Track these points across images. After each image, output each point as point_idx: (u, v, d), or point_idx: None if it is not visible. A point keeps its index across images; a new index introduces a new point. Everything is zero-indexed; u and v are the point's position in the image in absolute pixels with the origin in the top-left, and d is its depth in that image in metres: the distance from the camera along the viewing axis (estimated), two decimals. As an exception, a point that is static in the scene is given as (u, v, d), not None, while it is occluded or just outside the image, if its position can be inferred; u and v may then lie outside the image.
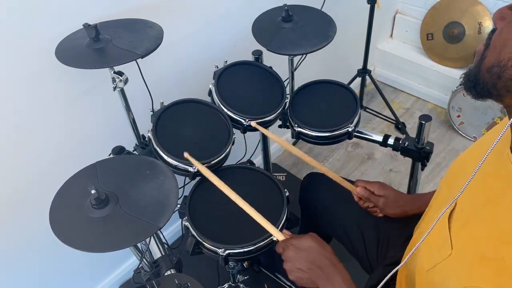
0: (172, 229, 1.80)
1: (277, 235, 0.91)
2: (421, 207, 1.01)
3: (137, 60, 1.04)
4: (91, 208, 0.86)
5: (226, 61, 1.34)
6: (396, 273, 0.96)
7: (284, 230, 0.92)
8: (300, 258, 0.82)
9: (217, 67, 1.34)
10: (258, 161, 1.84)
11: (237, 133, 1.23)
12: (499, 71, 0.55)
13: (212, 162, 1.13)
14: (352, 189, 1.11)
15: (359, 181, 1.10)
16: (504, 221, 0.58)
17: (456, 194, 0.68)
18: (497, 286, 0.54)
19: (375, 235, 1.12)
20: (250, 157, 1.47)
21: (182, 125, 1.19)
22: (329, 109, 1.34)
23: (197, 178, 1.16)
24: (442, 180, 0.85)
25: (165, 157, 1.10)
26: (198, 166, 1.05)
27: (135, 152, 1.27)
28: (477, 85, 0.59)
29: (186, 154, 1.06)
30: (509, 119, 0.58)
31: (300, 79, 1.45)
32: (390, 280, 0.91)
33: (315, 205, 1.25)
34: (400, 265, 0.73)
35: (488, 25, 2.14)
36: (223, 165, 1.19)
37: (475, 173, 0.59)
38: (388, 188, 1.08)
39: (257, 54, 1.43)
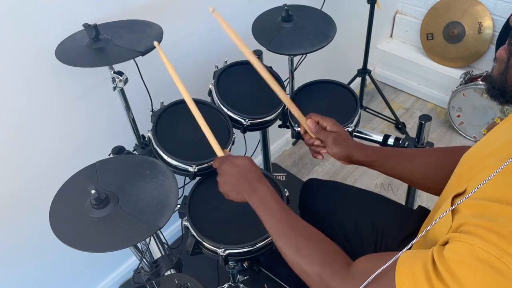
0: (172, 229, 1.80)
1: (218, 152, 0.97)
2: (366, 156, 1.02)
3: (137, 60, 1.04)
4: (91, 208, 0.86)
5: (226, 61, 1.34)
6: None
7: (225, 150, 0.98)
8: (232, 172, 0.90)
9: (217, 67, 1.34)
10: (258, 161, 1.84)
11: (237, 133, 1.23)
12: None
13: (212, 162, 1.13)
14: (302, 121, 1.07)
15: (312, 114, 1.07)
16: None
17: (465, 182, 0.67)
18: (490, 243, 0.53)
19: (373, 233, 1.12)
20: (250, 157, 1.47)
21: (182, 125, 1.19)
22: (329, 109, 1.34)
23: (197, 178, 1.16)
24: (453, 174, 0.83)
25: (165, 157, 1.11)
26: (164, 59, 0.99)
27: (135, 152, 1.27)
28: (505, 93, 0.59)
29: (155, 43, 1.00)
30: None
31: (300, 79, 1.45)
32: None
33: (315, 211, 1.25)
34: (415, 239, 0.71)
35: (488, 25, 2.14)
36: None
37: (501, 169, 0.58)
38: (339, 126, 1.06)
39: (257, 54, 1.44)
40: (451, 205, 0.64)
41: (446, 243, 0.59)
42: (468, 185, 0.66)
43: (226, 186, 0.92)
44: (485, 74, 2.05)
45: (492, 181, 0.58)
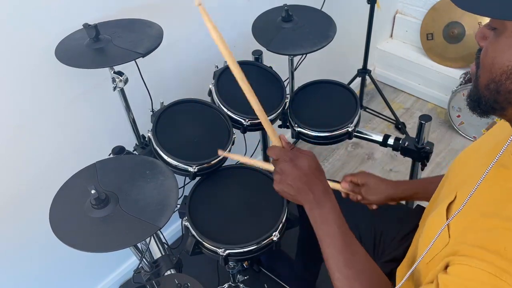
0: (172, 229, 1.80)
1: (273, 138, 0.82)
2: (404, 192, 1.04)
3: (137, 60, 1.04)
4: (91, 208, 0.86)
5: (226, 61, 1.34)
6: (394, 269, 0.96)
7: (281, 135, 0.83)
8: (294, 176, 0.78)
9: (217, 67, 1.34)
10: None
11: (237, 133, 1.23)
12: (496, 87, 0.57)
13: (212, 162, 1.13)
14: (338, 187, 1.09)
15: (345, 176, 1.09)
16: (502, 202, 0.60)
17: (456, 188, 0.71)
18: (493, 270, 0.56)
19: (372, 233, 1.12)
20: (250, 157, 1.47)
21: (182, 125, 1.19)
22: (329, 109, 1.34)
23: (197, 178, 1.16)
24: (443, 180, 0.85)
25: (165, 157, 1.11)
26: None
27: (135, 152, 1.27)
28: (480, 103, 0.62)
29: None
30: None
31: (300, 79, 1.45)
32: (388, 276, 0.91)
33: None
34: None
35: (488, 25, 2.14)
36: (223, 165, 1.19)
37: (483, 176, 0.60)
38: (369, 176, 1.06)
39: (257, 54, 1.44)
40: (446, 215, 0.68)
41: (446, 265, 0.62)
42: (457, 192, 0.70)
43: (284, 188, 0.81)
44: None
45: (479, 191, 0.60)
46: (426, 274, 0.73)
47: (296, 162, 0.79)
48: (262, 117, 0.82)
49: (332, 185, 1.09)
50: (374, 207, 1.09)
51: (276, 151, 0.81)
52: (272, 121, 1.32)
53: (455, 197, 0.70)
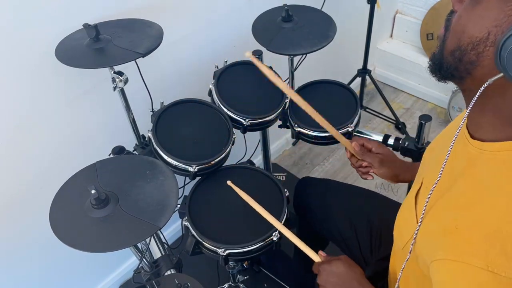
0: (172, 229, 1.80)
1: (313, 257, 0.95)
2: (413, 176, 1.03)
3: (137, 60, 1.04)
4: (91, 208, 0.86)
5: (226, 61, 1.34)
6: (387, 267, 0.97)
7: (320, 252, 0.95)
8: (332, 283, 0.88)
9: (217, 67, 1.34)
10: (258, 161, 1.84)
11: (237, 133, 1.23)
12: (460, 55, 0.57)
13: (212, 162, 1.13)
14: (348, 145, 1.09)
15: (357, 138, 1.10)
16: (462, 193, 0.62)
17: (422, 175, 0.74)
18: (455, 256, 0.57)
19: (368, 231, 1.12)
20: (250, 157, 1.47)
21: (182, 125, 1.19)
22: (329, 109, 1.34)
23: (197, 178, 1.16)
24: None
25: (165, 157, 1.11)
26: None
27: (135, 152, 1.27)
28: (441, 68, 0.62)
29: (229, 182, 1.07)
30: (467, 103, 0.62)
31: (300, 79, 1.45)
32: (383, 275, 0.92)
33: (309, 210, 1.25)
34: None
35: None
36: (223, 165, 1.19)
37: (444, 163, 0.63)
38: (385, 148, 1.09)
39: (257, 54, 1.43)
40: (415, 203, 0.71)
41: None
42: (423, 178, 0.73)
43: None
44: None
45: (442, 180, 0.62)
46: (398, 260, 0.77)
47: (330, 270, 0.89)
48: (296, 241, 0.97)
49: (343, 141, 1.08)
50: (370, 178, 1.09)
51: (315, 266, 0.94)
52: (272, 121, 1.32)
53: (422, 183, 0.72)
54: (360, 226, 1.13)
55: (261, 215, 1.00)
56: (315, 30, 1.32)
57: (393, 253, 0.87)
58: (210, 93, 1.30)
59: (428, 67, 0.65)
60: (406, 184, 1.45)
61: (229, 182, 1.07)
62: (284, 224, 1.07)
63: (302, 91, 1.38)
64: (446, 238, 0.60)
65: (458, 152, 0.65)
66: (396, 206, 1.17)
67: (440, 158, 0.64)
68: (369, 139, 1.11)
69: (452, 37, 0.58)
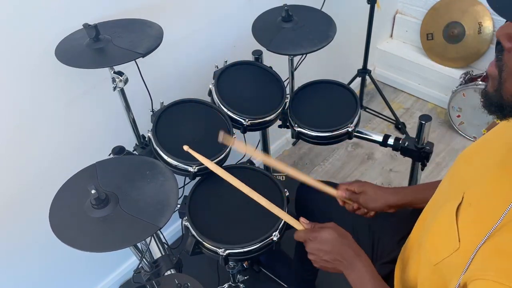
0: (172, 229, 1.80)
1: (295, 224, 0.93)
2: (403, 199, 1.02)
3: (137, 60, 1.04)
4: (91, 208, 0.86)
5: (226, 61, 1.34)
6: (391, 271, 0.96)
7: (302, 219, 0.93)
8: (324, 251, 0.87)
9: (217, 67, 1.34)
10: (258, 161, 1.84)
11: (237, 133, 1.23)
12: None
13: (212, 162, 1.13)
14: (334, 194, 1.10)
15: (341, 185, 1.10)
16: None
17: (462, 189, 0.68)
18: (508, 281, 0.54)
19: (369, 235, 1.12)
20: (250, 157, 1.47)
21: (182, 125, 1.19)
22: (329, 109, 1.34)
23: (197, 178, 1.16)
24: (444, 179, 0.84)
25: (165, 157, 1.11)
26: (200, 159, 1.03)
27: (135, 152, 1.27)
28: (503, 109, 0.59)
29: (186, 147, 1.04)
30: None
31: (300, 79, 1.45)
32: (387, 280, 0.91)
33: (310, 212, 1.25)
34: None
35: (488, 25, 2.14)
36: (223, 165, 1.19)
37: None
38: (366, 184, 1.07)
39: (257, 54, 1.43)
40: (456, 218, 0.66)
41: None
42: (465, 193, 0.68)
43: (322, 264, 0.89)
44: (485, 74, 2.05)
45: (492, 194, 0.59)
46: (428, 277, 0.73)
47: (321, 238, 0.87)
48: (277, 211, 0.94)
49: (328, 190, 1.09)
50: (372, 214, 1.08)
51: (301, 235, 0.91)
52: (272, 121, 1.32)
53: (463, 198, 0.68)
54: (361, 230, 1.13)
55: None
56: (315, 30, 1.32)
57: (416, 263, 0.83)
58: (210, 93, 1.30)
59: (483, 106, 0.62)
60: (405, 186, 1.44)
61: (185, 147, 1.04)
62: (284, 224, 1.07)
63: (302, 91, 1.38)
64: (501, 260, 0.57)
65: (506, 162, 0.62)
66: (398, 210, 1.17)
67: (485, 173, 0.61)
68: (350, 183, 1.08)
69: (510, 77, 0.55)
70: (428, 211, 0.87)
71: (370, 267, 0.85)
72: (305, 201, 1.27)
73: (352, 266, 0.85)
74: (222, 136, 1.02)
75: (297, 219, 1.18)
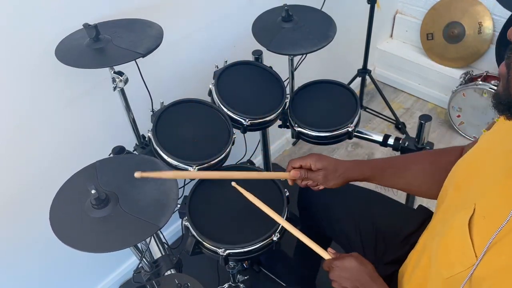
0: (172, 229, 1.80)
1: (323, 254, 0.95)
2: (362, 174, 1.01)
3: (137, 60, 1.04)
4: (91, 208, 0.86)
5: (226, 61, 1.34)
6: (394, 272, 0.96)
7: (329, 249, 0.96)
8: (344, 278, 0.89)
9: (217, 67, 1.34)
10: (258, 161, 1.84)
11: (237, 133, 1.23)
12: None
13: (212, 162, 1.13)
14: (286, 176, 1.06)
15: (291, 161, 1.05)
16: None
17: (471, 198, 0.68)
18: None
19: (373, 234, 1.12)
20: (250, 157, 1.47)
21: (182, 125, 1.19)
22: (329, 109, 1.34)
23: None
24: (447, 182, 0.84)
25: (165, 157, 1.11)
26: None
27: (135, 152, 1.27)
28: (511, 108, 0.59)
29: (234, 183, 1.03)
30: None
31: (300, 79, 1.45)
32: (390, 280, 0.91)
33: (313, 211, 1.25)
34: None
35: (488, 25, 2.14)
36: (223, 165, 1.19)
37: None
38: (324, 158, 1.03)
39: (257, 54, 1.44)
40: (469, 231, 0.65)
41: None
42: (476, 204, 0.67)
43: None
44: (485, 74, 2.05)
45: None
46: (439, 285, 0.72)
47: (342, 266, 0.90)
48: (306, 240, 0.95)
49: (278, 174, 1.07)
50: (321, 187, 1.06)
51: (326, 263, 0.94)
52: (272, 121, 1.32)
53: (474, 210, 0.67)
54: (365, 229, 1.13)
55: (266, 216, 0.99)
56: (315, 30, 1.32)
57: (422, 272, 0.83)
58: (210, 93, 1.30)
59: (493, 106, 0.62)
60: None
61: (233, 184, 1.04)
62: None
63: (302, 91, 1.38)
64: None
65: None
66: (401, 210, 1.17)
67: (494, 184, 0.61)
68: (302, 158, 1.04)
69: None
70: (438, 219, 0.86)
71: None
72: (308, 202, 1.27)
73: None
74: (139, 174, 0.95)
75: (301, 223, 1.18)
